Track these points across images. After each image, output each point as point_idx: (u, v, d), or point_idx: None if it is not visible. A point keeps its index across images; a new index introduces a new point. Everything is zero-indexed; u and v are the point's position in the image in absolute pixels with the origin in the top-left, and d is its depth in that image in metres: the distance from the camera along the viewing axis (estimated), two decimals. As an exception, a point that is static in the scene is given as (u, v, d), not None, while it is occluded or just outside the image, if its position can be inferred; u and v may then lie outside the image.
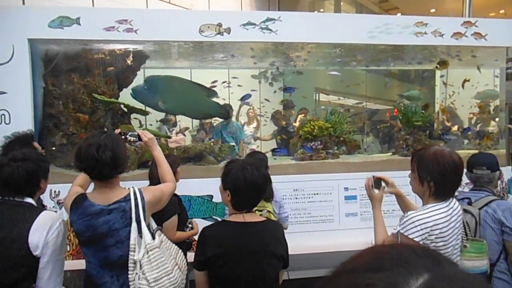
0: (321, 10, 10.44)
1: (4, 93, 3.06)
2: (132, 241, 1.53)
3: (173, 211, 2.36)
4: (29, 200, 1.58)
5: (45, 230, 1.48)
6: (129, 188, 1.65)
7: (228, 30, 3.42)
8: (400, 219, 1.64)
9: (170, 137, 4.39)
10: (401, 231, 1.56)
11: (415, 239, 1.54)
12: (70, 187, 1.76)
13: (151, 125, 5.19)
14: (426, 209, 1.60)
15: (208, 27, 3.41)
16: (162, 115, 5.13)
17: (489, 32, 3.74)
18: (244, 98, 4.89)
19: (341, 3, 10.28)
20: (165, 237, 1.72)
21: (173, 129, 5.50)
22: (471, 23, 3.73)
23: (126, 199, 1.58)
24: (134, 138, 1.98)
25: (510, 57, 3.89)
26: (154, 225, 1.72)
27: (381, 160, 3.92)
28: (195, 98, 4.08)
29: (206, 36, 3.41)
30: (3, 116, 3.03)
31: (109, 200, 1.57)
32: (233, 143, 5.59)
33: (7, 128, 2.88)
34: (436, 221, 1.55)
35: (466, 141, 4.58)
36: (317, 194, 3.56)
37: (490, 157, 2.24)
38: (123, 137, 1.92)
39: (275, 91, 5.21)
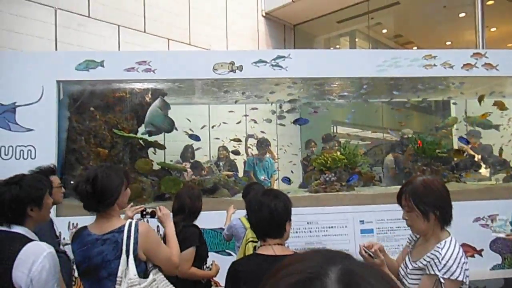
0: (337, 46, 10.72)
1: (32, 130, 3.28)
2: (119, 274, 1.50)
3: (190, 242, 2.35)
4: (18, 229, 1.48)
5: (28, 266, 1.36)
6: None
7: (240, 68, 3.60)
8: (429, 265, 1.53)
9: (185, 170, 4.50)
10: (446, 277, 1.47)
11: (464, 280, 1.47)
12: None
13: (171, 161, 5.34)
14: (451, 242, 1.56)
15: (221, 65, 3.60)
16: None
17: (500, 62, 3.75)
18: (298, 122, 4.84)
19: (356, 39, 10.54)
20: (161, 277, 1.69)
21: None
22: (481, 54, 3.76)
23: (120, 230, 1.57)
24: (148, 216, 2.06)
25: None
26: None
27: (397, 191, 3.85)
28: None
29: (219, 74, 3.60)
30: (29, 152, 3.24)
31: (104, 230, 1.59)
32: (264, 177, 5.71)
33: (33, 162, 3.06)
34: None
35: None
36: (332, 227, 3.51)
37: None
38: (142, 212, 2.07)
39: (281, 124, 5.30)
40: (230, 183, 4.19)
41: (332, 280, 0.40)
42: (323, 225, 3.49)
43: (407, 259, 1.74)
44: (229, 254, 3.42)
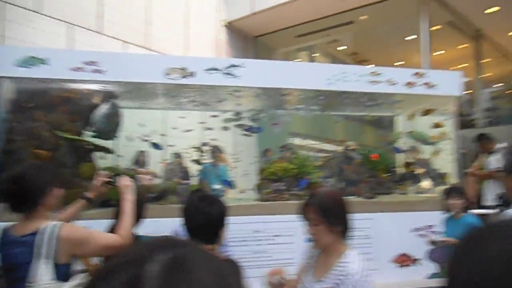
0: (297, 60, 11.00)
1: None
2: (31, 278, 1.45)
3: None
4: None
5: None
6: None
7: (193, 74, 3.58)
8: (340, 282, 1.48)
9: (133, 176, 4.37)
10: None
11: None
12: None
13: (131, 168, 5.14)
14: (355, 256, 1.52)
15: (174, 70, 3.56)
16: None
17: (439, 82, 4.03)
18: (251, 130, 4.78)
19: (315, 54, 10.89)
20: None
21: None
22: (421, 74, 4.02)
23: (39, 232, 1.51)
24: (112, 180, 2.05)
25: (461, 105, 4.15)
26: (80, 267, 1.67)
27: (342, 202, 3.98)
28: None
29: (171, 79, 3.55)
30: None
31: (24, 231, 1.53)
32: (219, 186, 5.64)
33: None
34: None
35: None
36: (279, 236, 3.54)
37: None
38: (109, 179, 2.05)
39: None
40: (180, 190, 4.12)
41: (155, 266, 0.39)
42: (270, 234, 3.52)
43: (309, 278, 1.65)
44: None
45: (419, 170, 5.08)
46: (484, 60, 10.28)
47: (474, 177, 4.68)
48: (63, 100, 3.76)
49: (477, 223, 3.04)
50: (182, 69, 3.57)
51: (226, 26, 8.13)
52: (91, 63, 3.38)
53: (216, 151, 5.56)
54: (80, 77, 3.40)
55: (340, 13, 7.62)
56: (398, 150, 4.45)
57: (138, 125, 4.80)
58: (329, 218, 1.52)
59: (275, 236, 3.52)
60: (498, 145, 4.35)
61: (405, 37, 8.73)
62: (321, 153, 7.71)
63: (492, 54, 9.93)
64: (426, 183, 5.18)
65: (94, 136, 3.92)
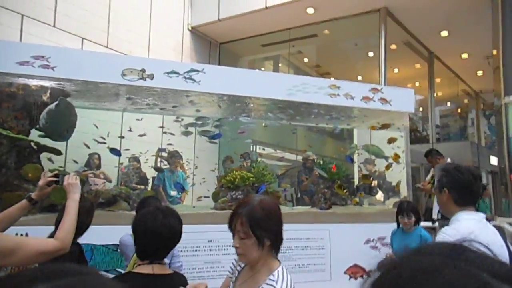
0: (262, 69, 11.08)
1: None
2: None
3: (64, 261, 2.17)
4: None
5: None
6: None
7: (151, 76, 3.46)
8: None
9: (82, 179, 4.14)
10: None
11: None
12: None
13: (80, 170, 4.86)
14: (284, 273, 1.43)
15: (131, 71, 3.43)
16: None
17: (393, 98, 4.19)
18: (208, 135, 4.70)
19: (280, 64, 11.03)
20: None
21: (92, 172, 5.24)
22: (377, 89, 4.16)
23: None
24: (57, 180, 1.90)
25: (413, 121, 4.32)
26: None
27: (298, 212, 4.00)
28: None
29: (128, 80, 3.41)
30: None
31: None
32: (175, 193, 5.48)
33: None
34: None
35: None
36: (232, 246, 3.47)
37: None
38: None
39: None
40: (133, 196, 3.94)
41: None
42: (224, 244, 3.44)
43: None
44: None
45: (374, 182, 5.25)
46: (437, 80, 10.95)
47: (424, 191, 4.90)
48: (8, 96, 3.50)
49: (427, 237, 3.16)
50: (141, 70, 3.44)
51: (190, 30, 8.03)
52: (40, 57, 3.17)
53: (173, 156, 5.43)
54: (27, 71, 3.17)
55: (304, 25, 7.78)
56: (352, 160, 4.57)
57: (93, 126, 4.58)
58: (257, 231, 1.39)
59: (228, 246, 3.45)
60: (448, 160, 4.59)
61: (365, 53, 9.08)
62: (283, 163, 7.77)
63: (442, 74, 10.58)
64: (380, 195, 5.36)
65: (43, 136, 3.67)
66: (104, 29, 6.19)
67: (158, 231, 1.55)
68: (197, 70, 3.58)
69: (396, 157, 4.19)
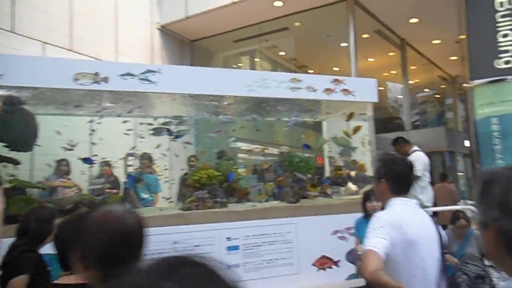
0: (240, 65, 11.02)
1: None
2: None
3: (23, 270, 2.14)
4: None
5: None
6: None
7: (105, 79, 3.39)
8: None
9: (43, 188, 4.07)
10: None
11: None
12: None
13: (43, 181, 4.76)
14: None
15: (84, 75, 3.35)
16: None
17: (356, 89, 4.19)
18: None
19: (257, 59, 10.98)
20: None
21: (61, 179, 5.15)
22: (339, 81, 4.15)
23: None
24: None
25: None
26: None
27: (266, 207, 3.99)
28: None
29: (81, 84, 3.34)
30: None
31: None
32: (147, 195, 5.42)
33: None
34: None
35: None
36: (198, 246, 3.46)
37: None
38: None
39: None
40: (97, 202, 3.88)
41: None
42: (189, 244, 3.42)
43: None
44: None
45: (349, 173, 5.27)
46: (412, 67, 11.03)
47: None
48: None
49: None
50: (94, 74, 3.37)
51: (160, 29, 7.91)
52: (-14, 66, 3.07)
53: (144, 159, 5.36)
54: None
55: (274, 19, 7.73)
56: (308, 147, 4.57)
57: (56, 133, 4.49)
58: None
59: (194, 246, 3.43)
60: (414, 148, 4.63)
61: (338, 44, 9.09)
62: (270, 158, 7.74)
63: (417, 61, 10.67)
64: (353, 186, 5.39)
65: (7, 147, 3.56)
66: (66, 33, 6.05)
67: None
68: (153, 71, 3.52)
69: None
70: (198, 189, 4.03)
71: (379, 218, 1.66)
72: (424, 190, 4.37)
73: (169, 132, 4.22)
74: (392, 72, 11.56)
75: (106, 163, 5.41)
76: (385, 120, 13.49)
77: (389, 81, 11.90)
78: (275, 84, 3.91)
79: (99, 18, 6.64)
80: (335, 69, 10.74)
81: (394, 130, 10.04)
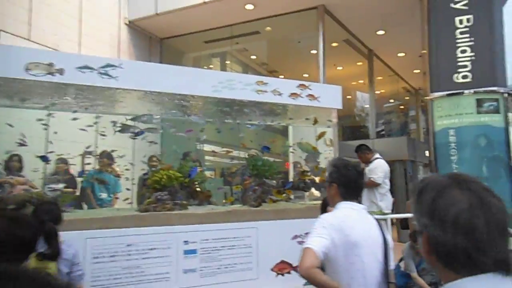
0: (211, 66, 10.89)
1: None
2: None
3: None
4: None
5: None
6: None
7: (61, 71, 3.21)
8: None
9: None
10: None
11: None
12: None
13: None
14: None
15: (37, 65, 3.16)
16: None
17: (322, 95, 4.23)
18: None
19: (228, 62, 10.91)
20: None
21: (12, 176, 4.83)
22: (305, 86, 4.17)
23: None
24: None
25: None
26: None
27: (226, 211, 3.92)
28: None
29: (33, 75, 3.14)
30: None
31: None
32: (105, 195, 5.18)
33: None
34: None
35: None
36: (154, 249, 3.33)
37: None
38: None
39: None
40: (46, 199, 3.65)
41: None
42: (143, 247, 3.28)
43: None
44: None
45: (314, 178, 5.31)
46: (378, 78, 11.36)
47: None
48: None
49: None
50: (48, 64, 3.18)
51: (128, 25, 7.67)
52: None
53: (103, 157, 5.15)
54: None
55: (245, 22, 7.71)
56: (268, 149, 4.57)
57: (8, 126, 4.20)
58: None
59: (149, 249, 3.30)
60: (376, 156, 4.73)
61: (309, 51, 9.21)
62: (239, 161, 7.66)
63: (383, 72, 11.01)
64: (315, 191, 5.43)
65: None
66: (24, 20, 5.72)
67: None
68: (114, 65, 3.37)
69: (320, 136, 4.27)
70: (158, 190, 3.90)
71: (322, 219, 1.70)
72: (384, 197, 4.46)
73: (132, 129, 4.06)
74: (360, 81, 11.86)
75: (63, 160, 5.16)
76: (353, 128, 13.83)
77: (357, 90, 12.21)
78: (240, 86, 3.86)
79: (61, 8, 6.34)
80: (305, 75, 10.86)
81: (360, 138, 10.30)
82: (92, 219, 3.32)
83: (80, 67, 3.27)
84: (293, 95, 4.10)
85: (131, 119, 5.27)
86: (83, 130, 4.02)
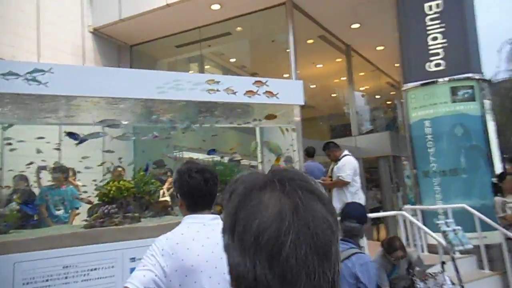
0: (191, 72, 10.62)
1: None
2: None
3: None
4: None
5: None
6: None
7: (-19, 80, 2.92)
8: None
9: None
10: None
11: None
12: None
13: None
14: None
15: (-48, 75, 2.87)
16: None
17: (281, 91, 3.95)
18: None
19: (207, 66, 10.65)
20: None
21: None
22: (262, 82, 3.89)
23: None
24: None
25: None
26: None
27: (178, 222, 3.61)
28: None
29: None
30: None
31: None
32: (61, 212, 4.90)
33: None
34: None
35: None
36: (95, 269, 3.01)
37: (360, 209, 2.16)
38: None
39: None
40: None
41: None
42: (83, 268, 2.97)
43: None
44: None
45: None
46: (361, 74, 11.13)
47: (324, 185, 4.73)
48: None
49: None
50: (-35, 74, 2.89)
51: (92, 32, 7.40)
52: None
53: (59, 170, 4.85)
54: None
55: (213, 23, 7.46)
56: (214, 152, 4.31)
57: None
58: None
59: (90, 270, 2.98)
60: (344, 152, 4.45)
61: (285, 49, 8.96)
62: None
63: (365, 68, 10.78)
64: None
65: None
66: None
67: None
68: (42, 70, 3.08)
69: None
70: (107, 204, 3.60)
71: (154, 244, 1.47)
72: (355, 196, 4.17)
73: (74, 136, 3.78)
74: (342, 78, 11.63)
75: (21, 177, 4.85)
76: (341, 126, 13.58)
77: (339, 88, 11.98)
78: (189, 86, 3.58)
79: (16, 18, 6.07)
80: (285, 75, 10.64)
81: (343, 136, 10.04)
82: (22, 241, 3.01)
83: (3, 74, 2.98)
84: (249, 92, 3.82)
85: (99, 122, 4.98)
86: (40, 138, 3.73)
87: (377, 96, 14.31)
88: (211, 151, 4.13)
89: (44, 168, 4.74)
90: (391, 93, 14.03)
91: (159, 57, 9.16)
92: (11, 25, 6.00)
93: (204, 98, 3.66)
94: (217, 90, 3.70)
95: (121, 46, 8.11)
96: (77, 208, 4.92)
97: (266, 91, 3.89)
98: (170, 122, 4.60)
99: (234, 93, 3.76)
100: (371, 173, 9.83)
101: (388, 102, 14.93)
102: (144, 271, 1.37)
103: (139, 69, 4.11)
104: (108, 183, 3.74)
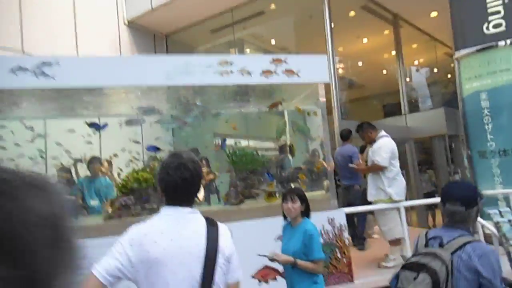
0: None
1: None
2: None
3: None
4: None
5: None
6: None
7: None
8: None
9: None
10: None
11: None
12: None
13: None
14: None
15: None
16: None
17: (301, 68, 3.58)
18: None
19: (248, 50, 10.38)
20: None
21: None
22: (280, 60, 3.55)
23: None
24: None
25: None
26: None
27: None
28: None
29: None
30: None
31: None
32: (95, 202, 5.05)
33: None
34: None
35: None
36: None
37: (465, 189, 1.75)
38: None
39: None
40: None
41: None
42: (97, 261, 2.94)
43: None
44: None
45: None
46: (413, 46, 10.11)
47: (358, 171, 4.29)
48: None
49: (312, 232, 2.58)
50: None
51: (128, 25, 7.49)
52: None
53: (94, 162, 4.96)
54: None
55: (246, 3, 7.14)
56: (154, 150, 4.07)
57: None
58: None
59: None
60: (380, 133, 3.95)
61: (323, 25, 8.36)
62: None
63: (418, 39, 9.76)
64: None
65: None
66: (17, 32, 5.72)
67: None
68: (49, 63, 3.06)
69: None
70: (126, 195, 3.57)
71: (125, 233, 1.47)
72: (393, 182, 3.69)
73: (96, 125, 3.80)
74: (393, 52, 10.68)
75: (64, 169, 5.06)
76: (393, 105, 12.59)
77: (389, 63, 11.00)
78: (200, 69, 3.36)
79: (55, 17, 6.29)
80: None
81: (394, 114, 9.24)
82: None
83: (12, 69, 3.00)
84: (266, 72, 3.50)
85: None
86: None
87: (435, 70, 12.99)
88: (150, 148, 3.94)
89: (80, 160, 4.89)
90: (452, 65, 12.65)
91: (195, 45, 9.08)
92: (49, 23, 6.22)
93: (216, 81, 3.42)
94: (231, 72, 3.44)
95: (156, 36, 8.14)
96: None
97: (286, 70, 3.55)
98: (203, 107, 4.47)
99: (249, 73, 3.47)
100: (426, 154, 8.96)
101: (449, 76, 13.50)
102: (110, 259, 1.39)
103: (147, 56, 4.00)
104: (129, 174, 3.71)
